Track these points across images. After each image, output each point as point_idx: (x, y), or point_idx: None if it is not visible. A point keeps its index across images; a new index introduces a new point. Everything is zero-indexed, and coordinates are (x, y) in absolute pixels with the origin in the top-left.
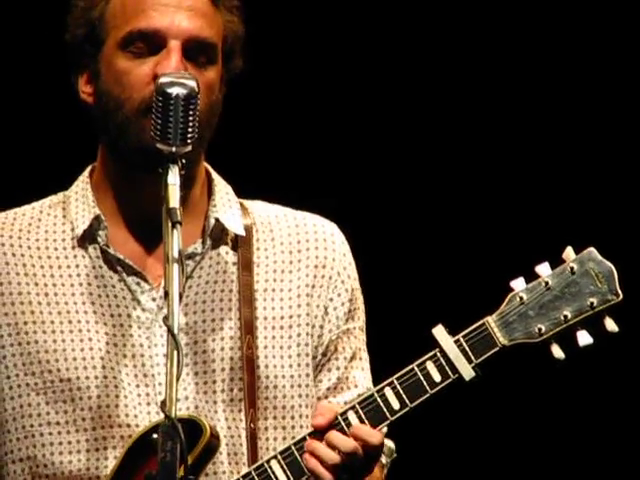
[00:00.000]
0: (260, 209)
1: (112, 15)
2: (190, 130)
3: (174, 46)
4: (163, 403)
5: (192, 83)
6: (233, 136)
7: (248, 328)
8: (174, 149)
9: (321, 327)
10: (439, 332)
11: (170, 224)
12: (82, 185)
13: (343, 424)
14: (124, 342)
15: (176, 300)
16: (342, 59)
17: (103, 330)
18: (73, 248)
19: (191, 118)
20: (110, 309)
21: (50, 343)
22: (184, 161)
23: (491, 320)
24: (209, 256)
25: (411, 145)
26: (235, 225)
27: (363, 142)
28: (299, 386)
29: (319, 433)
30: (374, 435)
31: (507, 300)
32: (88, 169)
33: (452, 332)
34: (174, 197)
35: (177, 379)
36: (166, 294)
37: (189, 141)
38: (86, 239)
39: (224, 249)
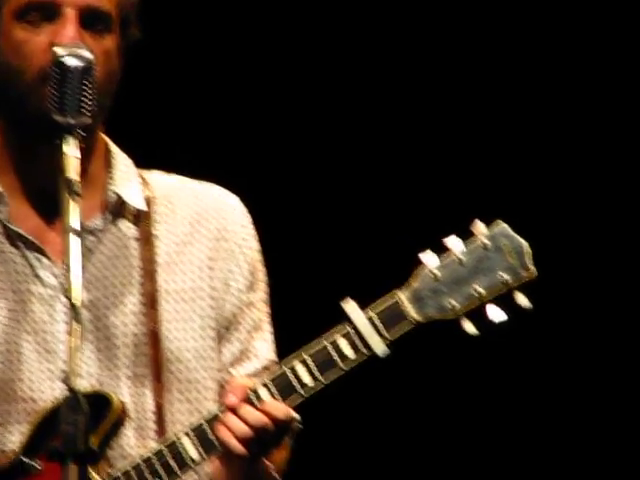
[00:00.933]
0: (159, 181)
1: None
2: (87, 101)
3: (70, 15)
4: (65, 376)
5: (88, 55)
6: (132, 106)
7: (151, 302)
8: (71, 120)
9: (223, 299)
10: (350, 307)
11: (69, 195)
12: None
13: (255, 399)
14: (26, 318)
15: (77, 272)
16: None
17: (5, 306)
18: None
19: (88, 90)
20: (11, 285)
21: None
22: (83, 133)
23: (403, 296)
24: (110, 231)
25: (312, 115)
26: (135, 199)
27: (262, 113)
28: (203, 359)
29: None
30: (282, 409)
31: (418, 276)
32: None
33: (361, 305)
34: (71, 167)
35: (78, 350)
36: (68, 267)
37: (87, 112)
38: None
39: (125, 223)
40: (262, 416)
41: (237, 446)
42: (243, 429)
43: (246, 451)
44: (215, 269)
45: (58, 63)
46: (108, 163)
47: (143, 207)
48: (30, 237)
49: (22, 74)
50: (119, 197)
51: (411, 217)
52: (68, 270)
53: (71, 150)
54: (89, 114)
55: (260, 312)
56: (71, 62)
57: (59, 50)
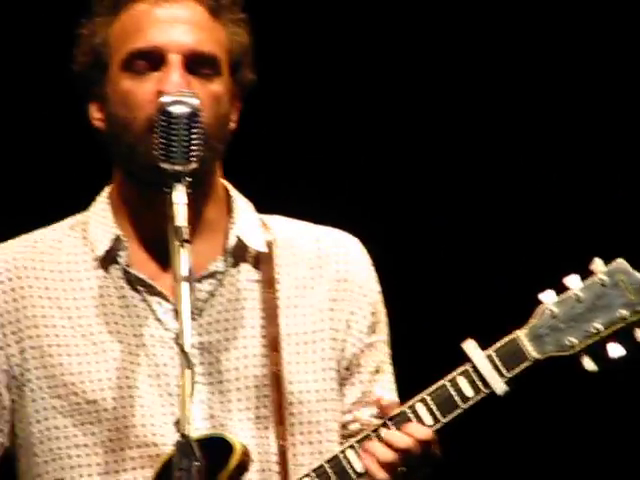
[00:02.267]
0: (280, 225)
1: (114, 39)
2: (194, 148)
3: (174, 61)
4: (177, 421)
5: (194, 101)
6: (250, 151)
7: (273, 345)
8: (178, 168)
9: (344, 341)
10: (470, 346)
11: (177, 243)
12: (101, 206)
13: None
14: (148, 362)
15: (187, 319)
16: (354, 68)
17: (127, 351)
18: (95, 269)
19: (194, 136)
20: (133, 329)
21: (75, 365)
22: (190, 179)
23: (522, 334)
24: (230, 274)
25: (436, 160)
26: (256, 242)
27: (385, 157)
28: (325, 400)
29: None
30: (423, 430)
31: (537, 313)
32: (106, 190)
33: (482, 346)
34: (180, 216)
35: (190, 397)
36: (176, 312)
37: (193, 159)
38: (107, 260)
39: (246, 267)
40: (405, 437)
41: (380, 472)
42: (387, 453)
43: (389, 477)
44: (336, 311)
45: (163, 111)
46: (229, 208)
47: (263, 249)
48: (150, 281)
49: (130, 124)
50: (240, 240)
51: (531, 258)
52: (178, 316)
53: (179, 197)
54: (197, 160)
55: (381, 353)
56: (176, 109)
57: (164, 98)
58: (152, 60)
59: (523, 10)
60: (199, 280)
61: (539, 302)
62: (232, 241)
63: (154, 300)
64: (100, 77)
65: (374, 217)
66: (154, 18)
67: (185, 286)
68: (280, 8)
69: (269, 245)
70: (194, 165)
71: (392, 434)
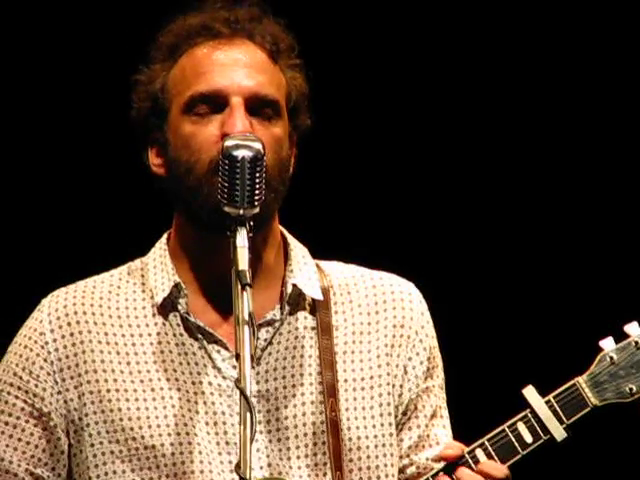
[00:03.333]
0: (336, 270)
1: (173, 84)
2: (257, 192)
3: (237, 104)
4: (237, 465)
5: (257, 145)
6: (304, 194)
7: (330, 391)
8: (242, 212)
9: (401, 386)
10: (529, 393)
11: (240, 286)
12: (160, 252)
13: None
14: (206, 410)
15: (248, 362)
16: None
17: (185, 398)
18: (153, 316)
19: (258, 180)
20: (192, 377)
21: (134, 411)
22: (252, 223)
23: (582, 380)
24: (287, 322)
25: (489, 205)
26: (312, 290)
27: (435, 203)
28: (383, 446)
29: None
30: (500, 468)
31: (597, 360)
32: (164, 236)
33: (542, 393)
34: (243, 259)
35: (251, 441)
36: (237, 356)
37: (256, 203)
38: (166, 307)
39: (302, 314)
40: (479, 477)
41: None
42: None
43: None
44: (393, 356)
45: (227, 154)
46: (286, 254)
47: (319, 297)
48: (209, 329)
49: (193, 167)
50: (297, 288)
51: (591, 305)
52: (239, 360)
53: (242, 241)
54: (259, 204)
55: (437, 398)
56: (239, 153)
57: (227, 142)
58: (214, 103)
59: (524, 10)
60: (258, 328)
61: (599, 349)
62: (289, 289)
63: (213, 348)
64: (159, 123)
65: (431, 262)
66: (215, 61)
67: (246, 330)
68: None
69: (325, 291)
70: (257, 209)
71: (466, 472)
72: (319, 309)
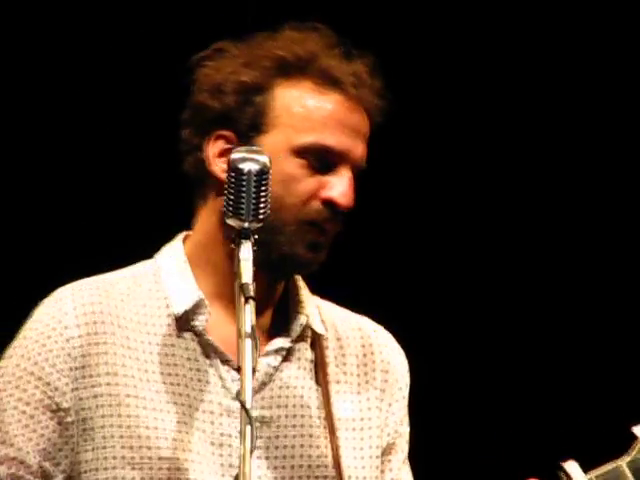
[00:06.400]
0: (325, 307)
1: (289, 112)
2: (262, 206)
3: (348, 174)
4: (236, 477)
5: (264, 158)
6: None
7: (331, 427)
8: (246, 224)
9: (383, 430)
10: (572, 467)
11: (243, 299)
12: (177, 258)
13: None
14: (212, 429)
15: (249, 375)
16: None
17: (194, 415)
18: (168, 325)
19: (263, 193)
20: (202, 394)
21: (151, 420)
22: (256, 237)
23: (624, 464)
24: (293, 352)
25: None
26: (317, 324)
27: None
28: None
29: None
30: None
31: (637, 446)
32: (179, 240)
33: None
34: (247, 272)
35: (250, 454)
36: (239, 369)
37: (261, 217)
38: (183, 319)
39: (304, 345)
40: None
41: None
42: None
43: None
44: (383, 401)
45: (233, 167)
46: (294, 284)
47: (323, 332)
48: (222, 349)
49: (284, 208)
50: (306, 319)
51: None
52: (240, 372)
53: (246, 254)
54: (263, 218)
55: (406, 445)
56: (246, 166)
57: (234, 155)
58: (328, 161)
59: (526, 11)
60: (266, 354)
61: (634, 435)
62: (301, 320)
63: (223, 368)
64: (245, 131)
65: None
66: (344, 122)
67: (248, 343)
68: None
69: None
70: (262, 223)
71: None
72: (317, 344)
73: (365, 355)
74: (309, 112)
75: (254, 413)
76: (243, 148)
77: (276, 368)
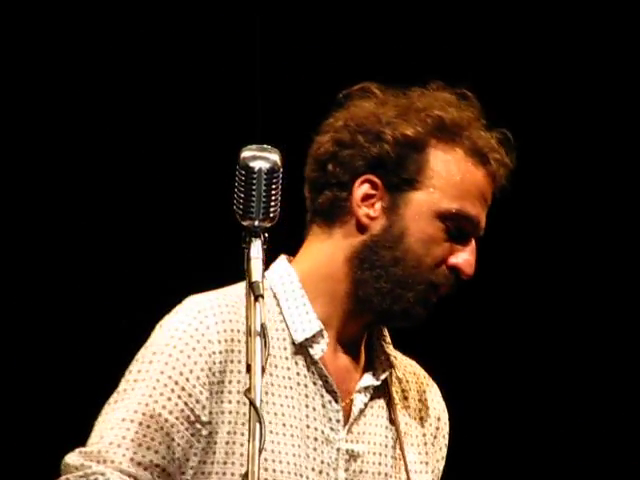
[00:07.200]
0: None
1: (442, 176)
2: (273, 204)
3: (473, 242)
4: (245, 476)
5: (275, 157)
6: None
7: (405, 467)
8: (257, 223)
9: (433, 472)
10: None
11: (253, 297)
12: (293, 282)
13: None
14: (315, 457)
15: (259, 373)
16: None
17: (298, 442)
18: (285, 349)
19: (274, 192)
20: (307, 421)
21: (268, 443)
22: (267, 235)
23: None
24: (375, 391)
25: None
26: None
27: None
28: None
29: None
30: None
31: None
32: (285, 262)
33: None
34: (257, 271)
35: (259, 453)
36: (248, 368)
37: (272, 215)
38: (302, 345)
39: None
40: None
41: None
42: None
43: None
44: (435, 447)
45: (243, 165)
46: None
47: (400, 374)
48: (331, 380)
49: (419, 267)
50: (393, 359)
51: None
52: (249, 371)
53: (256, 253)
54: (273, 217)
55: None
56: (257, 164)
57: (245, 152)
58: (463, 231)
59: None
60: (359, 390)
61: None
62: (391, 361)
63: (327, 397)
64: (403, 186)
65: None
66: (485, 195)
67: (258, 341)
68: None
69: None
70: (272, 222)
71: None
72: (389, 382)
73: (420, 401)
74: (461, 181)
75: (345, 446)
76: (254, 146)
77: (366, 404)
